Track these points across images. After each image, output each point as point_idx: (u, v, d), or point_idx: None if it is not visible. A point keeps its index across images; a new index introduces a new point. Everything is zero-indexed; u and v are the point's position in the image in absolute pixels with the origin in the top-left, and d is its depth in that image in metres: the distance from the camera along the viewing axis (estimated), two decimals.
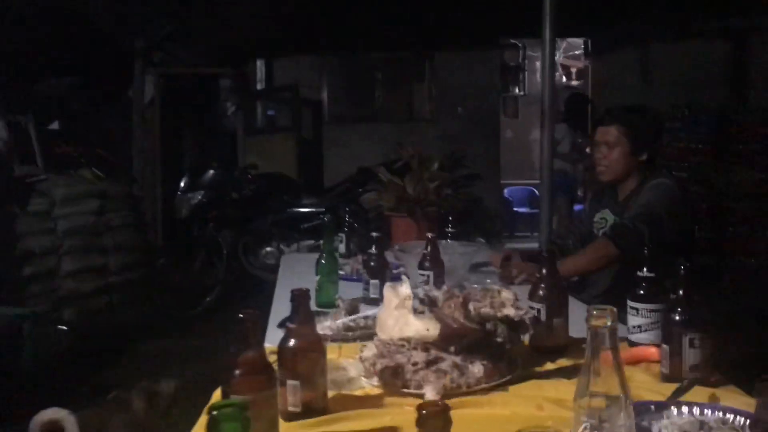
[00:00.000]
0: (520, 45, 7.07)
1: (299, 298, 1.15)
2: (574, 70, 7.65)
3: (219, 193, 5.06)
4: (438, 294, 1.40)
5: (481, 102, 6.29)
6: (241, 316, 1.03)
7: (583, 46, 6.79)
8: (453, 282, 2.00)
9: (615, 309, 0.82)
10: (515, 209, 7.18)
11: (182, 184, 5.13)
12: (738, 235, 5.18)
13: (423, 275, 1.98)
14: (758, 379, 0.84)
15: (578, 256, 2.35)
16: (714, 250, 5.21)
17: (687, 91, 5.60)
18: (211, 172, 5.08)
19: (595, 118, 2.79)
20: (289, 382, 1.14)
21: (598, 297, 2.40)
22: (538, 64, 7.37)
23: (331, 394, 1.23)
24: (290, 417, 1.14)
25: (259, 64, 6.32)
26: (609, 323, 0.80)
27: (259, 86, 6.35)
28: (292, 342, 1.15)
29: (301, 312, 1.15)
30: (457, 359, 1.29)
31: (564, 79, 7.52)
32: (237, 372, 1.03)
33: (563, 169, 5.36)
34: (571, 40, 6.99)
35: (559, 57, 7.69)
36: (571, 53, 7.36)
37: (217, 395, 1.13)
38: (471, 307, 1.35)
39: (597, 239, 2.37)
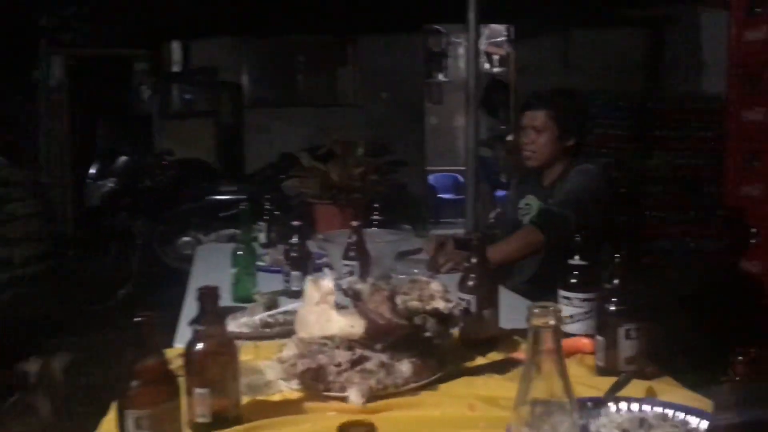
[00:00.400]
0: (443, 31, 7.03)
1: (205, 296, 1.02)
2: (496, 56, 7.66)
3: (132, 181, 4.81)
4: (363, 287, 1.30)
5: (405, 88, 6.22)
6: (137, 319, 0.90)
7: (505, 33, 6.80)
8: (380, 272, 1.91)
9: (559, 308, 0.74)
10: (440, 196, 7.15)
11: (92, 171, 4.85)
12: (654, 219, 5.31)
13: (348, 266, 1.88)
14: (717, 378, 0.77)
15: (504, 243, 2.30)
16: (632, 234, 5.32)
17: (607, 78, 5.68)
18: (124, 158, 4.83)
19: (518, 104, 2.76)
20: (197, 390, 1.01)
21: (524, 284, 2.36)
22: (461, 50, 7.37)
23: (245, 400, 1.11)
24: (199, 429, 1.02)
25: (176, 46, 6.04)
26: (552, 322, 0.72)
27: (175, 68, 6.07)
28: (199, 345, 1.03)
29: (209, 312, 1.03)
30: (384, 358, 1.20)
31: (487, 65, 7.53)
32: (134, 383, 0.90)
33: (483, 156, 5.35)
34: (493, 26, 6.98)
35: (482, 43, 7.70)
36: (493, 40, 7.36)
37: (113, 410, 0.99)
38: (398, 300, 1.26)
39: (523, 226, 2.33)
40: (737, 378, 0.75)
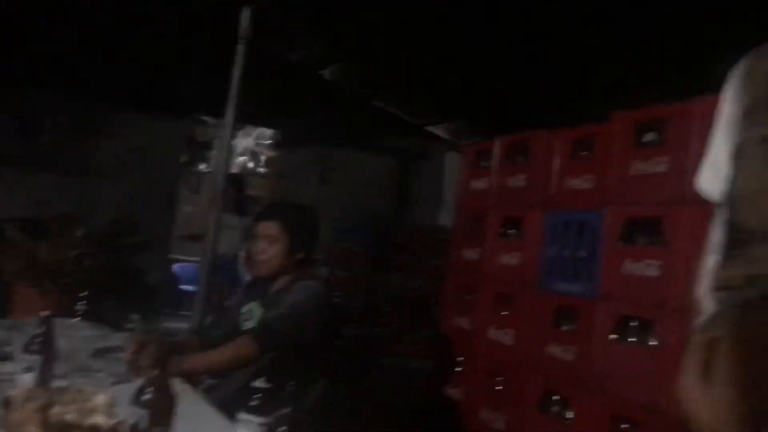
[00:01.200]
0: (210, 122, 7.02)
1: None
2: (264, 157, 7.81)
3: None
4: (16, 394, 1.16)
5: (162, 171, 6.03)
6: None
7: (271, 137, 6.98)
8: (72, 368, 1.75)
9: None
10: (182, 287, 6.89)
11: None
12: (386, 335, 5.58)
13: (27, 361, 1.69)
14: None
15: (218, 352, 2.25)
16: (364, 349, 5.52)
17: (358, 198, 6.02)
18: None
19: (258, 211, 2.80)
20: None
21: (236, 392, 2.30)
22: None
23: None
24: None
25: None
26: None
27: None
28: None
29: None
30: None
31: (252, 164, 7.63)
32: None
33: (238, 252, 5.32)
34: (264, 129, 7.15)
35: (251, 142, 7.82)
36: (262, 141, 7.51)
37: None
38: (54, 411, 1.14)
39: (240, 337, 2.30)
40: None
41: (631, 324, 2.61)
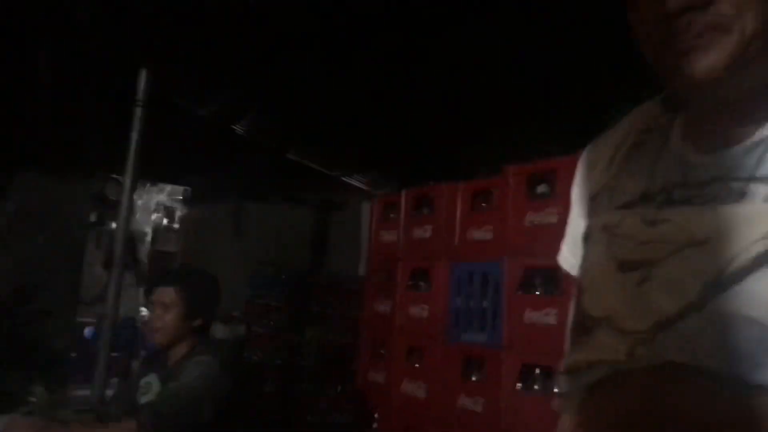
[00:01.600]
0: (120, 180, 6.85)
1: None
2: (177, 213, 7.66)
3: None
4: None
5: (66, 231, 5.82)
6: None
7: (182, 193, 6.87)
8: None
9: None
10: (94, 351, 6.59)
11: None
12: (305, 392, 5.47)
13: None
14: None
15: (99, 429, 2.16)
16: (283, 406, 5.40)
17: (275, 250, 5.95)
18: None
19: (156, 277, 2.73)
20: None
21: None
22: (140, 202, 7.23)
23: None
24: None
25: None
26: None
27: None
28: None
29: None
30: None
31: (165, 221, 7.46)
32: None
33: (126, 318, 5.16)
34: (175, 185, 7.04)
35: (164, 198, 7.67)
36: (175, 197, 7.38)
37: None
38: None
39: (125, 420, 2.21)
40: None
41: (537, 372, 2.65)
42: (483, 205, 3.12)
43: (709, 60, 0.78)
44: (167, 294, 2.44)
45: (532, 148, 3.20)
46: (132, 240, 5.93)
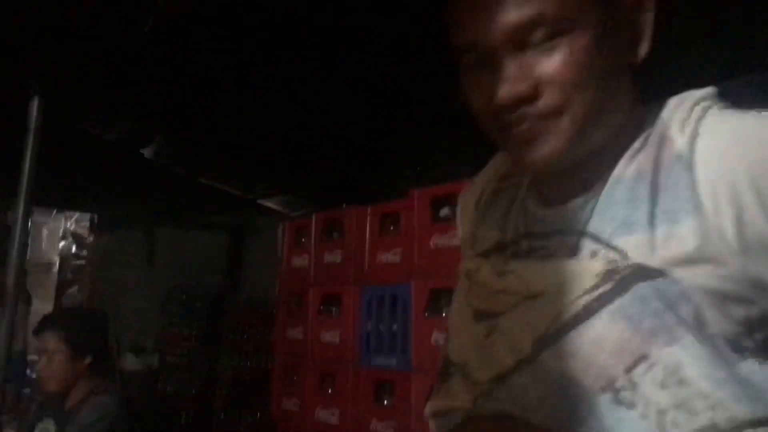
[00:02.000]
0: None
1: None
2: (88, 240, 7.38)
3: None
4: None
5: None
6: None
7: (92, 219, 6.63)
8: None
9: None
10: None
11: None
12: (221, 422, 5.34)
13: None
14: None
15: None
16: None
17: (188, 276, 5.81)
18: None
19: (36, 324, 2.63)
20: None
21: None
22: (46, 231, 6.94)
23: None
24: None
25: None
26: None
27: None
28: None
29: None
30: None
31: (74, 248, 7.18)
32: None
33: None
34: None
35: (71, 226, 7.39)
36: (83, 223, 7.12)
37: None
38: None
39: None
40: None
41: None
42: (391, 228, 3.14)
43: (548, 147, 0.80)
44: (49, 340, 2.38)
45: (442, 170, 3.25)
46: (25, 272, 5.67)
